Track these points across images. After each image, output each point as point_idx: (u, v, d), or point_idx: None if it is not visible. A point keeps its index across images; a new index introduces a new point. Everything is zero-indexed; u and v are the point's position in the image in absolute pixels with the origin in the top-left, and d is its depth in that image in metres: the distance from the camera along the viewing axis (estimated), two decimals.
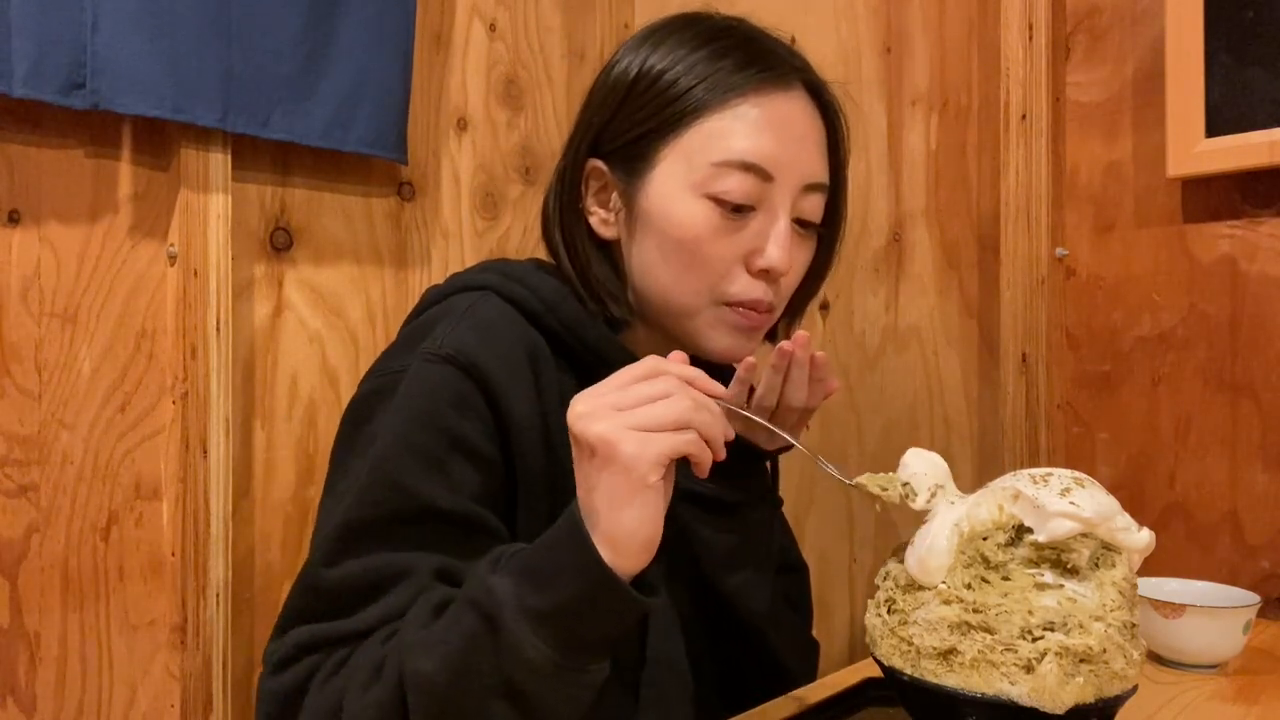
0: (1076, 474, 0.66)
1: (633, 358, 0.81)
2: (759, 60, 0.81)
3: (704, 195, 0.79)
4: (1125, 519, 0.64)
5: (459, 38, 1.47)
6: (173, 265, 1.17)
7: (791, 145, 0.81)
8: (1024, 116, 1.19)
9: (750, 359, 0.80)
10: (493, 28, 1.51)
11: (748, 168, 0.78)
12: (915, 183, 1.36)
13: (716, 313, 0.82)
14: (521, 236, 1.55)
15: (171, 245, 1.17)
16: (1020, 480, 0.65)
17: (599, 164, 0.84)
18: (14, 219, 1.07)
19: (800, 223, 0.83)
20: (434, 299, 0.86)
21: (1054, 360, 1.20)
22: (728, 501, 0.85)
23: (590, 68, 1.63)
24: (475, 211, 1.49)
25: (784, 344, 0.78)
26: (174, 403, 1.17)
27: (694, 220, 0.79)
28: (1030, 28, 1.19)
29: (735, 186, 0.78)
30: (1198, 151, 1.06)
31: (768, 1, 1.50)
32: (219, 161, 1.17)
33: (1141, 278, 1.15)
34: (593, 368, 0.81)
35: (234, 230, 1.19)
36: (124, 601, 1.14)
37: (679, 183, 0.80)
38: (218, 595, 1.16)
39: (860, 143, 1.41)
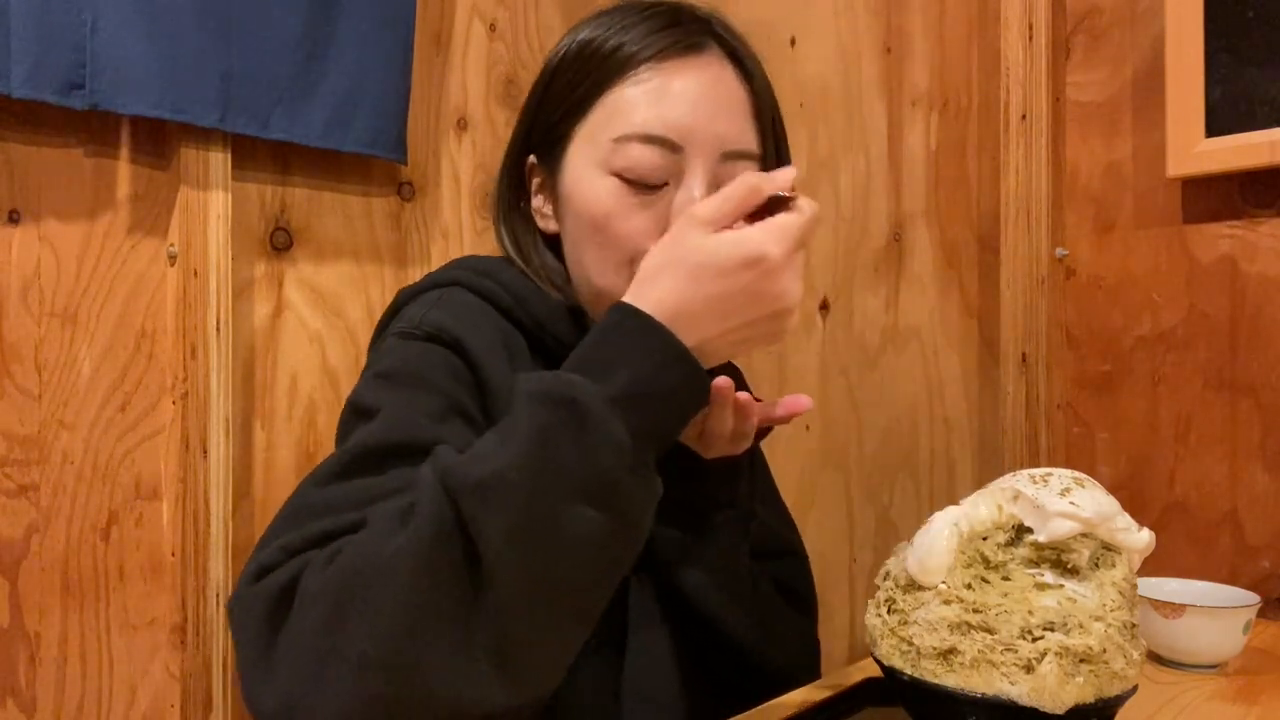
0: (1076, 474, 0.66)
1: None
2: (666, 27, 0.77)
3: (610, 172, 0.75)
4: (1125, 519, 0.64)
5: (459, 38, 1.47)
6: (173, 265, 1.17)
7: (703, 110, 0.75)
8: (1024, 116, 1.19)
9: (722, 380, 0.71)
10: (493, 28, 1.51)
11: (649, 139, 0.74)
12: (915, 183, 1.36)
13: None
14: None
15: (171, 245, 1.17)
16: (1020, 480, 0.65)
17: (533, 160, 0.83)
18: (14, 219, 1.07)
19: None
20: (406, 298, 0.83)
21: (1054, 360, 1.20)
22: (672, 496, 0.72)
23: None
24: (475, 211, 1.49)
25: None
26: (174, 403, 1.17)
27: (599, 198, 0.75)
28: (1030, 28, 1.19)
29: (639, 161, 0.74)
30: (1198, 151, 1.06)
31: (768, 2, 1.51)
32: (219, 161, 1.17)
33: (1141, 278, 1.15)
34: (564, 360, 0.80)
35: (234, 230, 1.19)
36: (124, 601, 1.14)
37: (587, 162, 0.76)
38: (218, 595, 1.16)
39: (860, 143, 1.41)
